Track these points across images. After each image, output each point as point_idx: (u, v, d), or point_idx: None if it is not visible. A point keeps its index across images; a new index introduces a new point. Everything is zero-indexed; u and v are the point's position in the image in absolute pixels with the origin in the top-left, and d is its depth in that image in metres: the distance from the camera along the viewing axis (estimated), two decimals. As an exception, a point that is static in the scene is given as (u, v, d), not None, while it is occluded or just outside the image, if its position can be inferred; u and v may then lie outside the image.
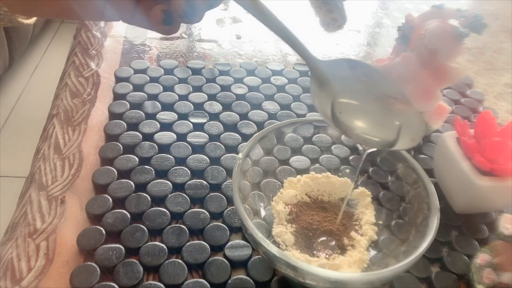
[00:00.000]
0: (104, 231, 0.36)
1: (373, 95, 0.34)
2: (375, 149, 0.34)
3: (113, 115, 0.48)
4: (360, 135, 0.33)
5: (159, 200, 0.40)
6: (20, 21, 0.37)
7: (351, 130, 0.33)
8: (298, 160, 0.43)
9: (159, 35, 0.62)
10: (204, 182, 0.41)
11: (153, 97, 0.50)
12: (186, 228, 0.37)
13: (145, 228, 0.37)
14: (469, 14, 0.42)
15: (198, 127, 0.47)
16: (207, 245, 0.36)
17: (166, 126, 0.47)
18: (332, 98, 0.34)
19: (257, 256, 0.36)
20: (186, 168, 0.42)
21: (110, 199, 0.39)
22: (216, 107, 0.50)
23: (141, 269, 0.34)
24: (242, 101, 0.51)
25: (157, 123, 0.47)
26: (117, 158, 0.43)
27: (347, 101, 0.34)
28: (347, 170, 0.42)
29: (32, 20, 0.39)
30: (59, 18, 0.36)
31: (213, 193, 0.41)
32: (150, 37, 0.62)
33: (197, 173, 0.42)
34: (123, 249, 0.35)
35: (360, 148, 0.35)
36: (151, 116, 0.48)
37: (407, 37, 0.47)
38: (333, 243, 0.36)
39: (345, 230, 0.37)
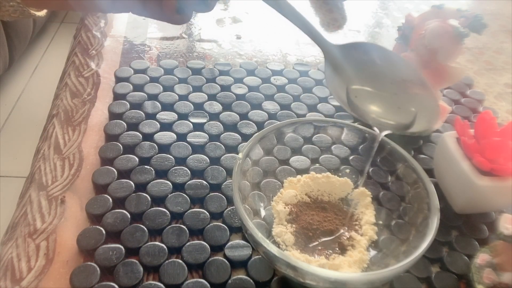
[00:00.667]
0: (104, 231, 0.36)
1: (388, 78, 0.34)
2: (390, 132, 0.35)
3: (113, 115, 0.48)
4: (376, 119, 0.34)
5: (159, 200, 0.40)
6: (32, 13, 0.37)
7: (367, 114, 0.34)
8: (298, 160, 0.43)
9: (159, 35, 0.62)
10: (204, 182, 0.41)
11: (153, 97, 0.50)
12: (186, 228, 0.37)
13: (145, 228, 0.37)
14: (469, 14, 0.42)
15: (198, 127, 0.47)
16: (207, 245, 0.36)
17: (166, 126, 0.47)
18: (347, 83, 0.34)
19: (257, 256, 0.36)
20: (186, 168, 0.42)
21: (110, 199, 0.39)
22: (216, 107, 0.50)
23: (141, 269, 0.34)
24: (242, 101, 0.51)
25: (157, 123, 0.47)
26: (117, 158, 0.43)
27: (362, 85, 0.34)
28: (347, 170, 0.42)
29: (43, 12, 0.39)
30: (69, 10, 0.36)
31: (213, 193, 0.41)
32: (150, 37, 0.62)
33: (197, 173, 0.42)
34: (123, 249, 0.35)
35: (377, 131, 0.35)
36: (151, 116, 0.48)
37: (407, 37, 0.47)
38: (333, 242, 0.36)
39: (345, 230, 0.37)
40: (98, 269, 0.34)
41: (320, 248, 0.36)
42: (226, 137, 0.46)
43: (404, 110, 0.33)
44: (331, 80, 0.34)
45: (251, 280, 0.34)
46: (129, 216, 0.38)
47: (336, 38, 0.67)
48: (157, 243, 0.36)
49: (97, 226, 0.37)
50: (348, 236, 0.36)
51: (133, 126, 0.46)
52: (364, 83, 0.34)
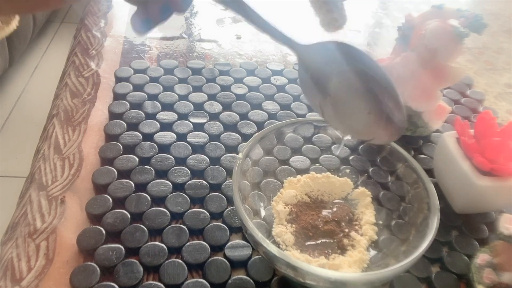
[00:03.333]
0: (104, 231, 0.36)
1: (362, 80, 0.33)
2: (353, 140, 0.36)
3: (113, 115, 0.48)
4: (340, 126, 0.35)
5: (159, 200, 0.40)
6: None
7: (333, 120, 0.35)
8: (298, 160, 0.43)
9: (159, 35, 0.62)
10: (204, 182, 0.41)
11: (153, 97, 0.50)
12: (186, 228, 0.37)
13: (145, 228, 0.37)
14: (469, 14, 0.42)
15: (198, 127, 0.47)
16: (207, 245, 0.36)
17: (166, 126, 0.47)
18: (320, 88, 0.34)
19: (257, 256, 0.36)
20: (186, 168, 0.42)
21: (110, 199, 0.39)
22: (216, 107, 0.50)
23: (141, 269, 0.34)
24: (242, 101, 0.51)
25: (157, 123, 0.47)
26: (117, 158, 0.42)
27: (335, 87, 0.33)
28: (347, 170, 0.42)
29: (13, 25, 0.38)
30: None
31: (213, 193, 0.41)
32: (150, 37, 0.62)
33: (197, 173, 0.42)
34: (123, 249, 0.35)
35: (341, 136, 0.37)
36: (151, 116, 0.48)
37: (407, 37, 0.47)
38: (333, 243, 0.36)
39: (345, 230, 0.37)
40: (98, 269, 0.34)
41: (320, 248, 0.36)
42: (226, 137, 0.46)
43: (372, 117, 0.33)
44: (304, 80, 0.34)
45: (251, 280, 0.34)
46: (129, 216, 0.38)
47: (336, 38, 0.67)
48: (157, 243, 0.36)
49: (97, 226, 0.37)
50: (348, 236, 0.36)
51: (133, 126, 0.46)
52: (337, 87, 0.33)
